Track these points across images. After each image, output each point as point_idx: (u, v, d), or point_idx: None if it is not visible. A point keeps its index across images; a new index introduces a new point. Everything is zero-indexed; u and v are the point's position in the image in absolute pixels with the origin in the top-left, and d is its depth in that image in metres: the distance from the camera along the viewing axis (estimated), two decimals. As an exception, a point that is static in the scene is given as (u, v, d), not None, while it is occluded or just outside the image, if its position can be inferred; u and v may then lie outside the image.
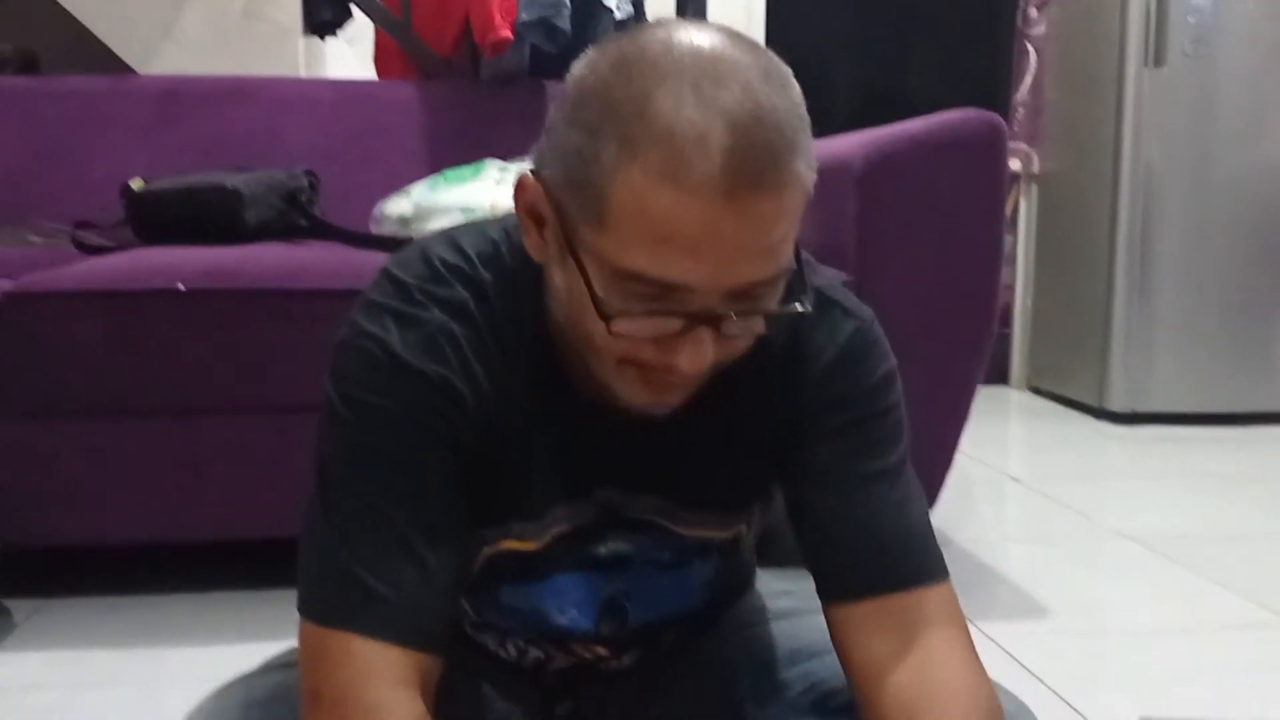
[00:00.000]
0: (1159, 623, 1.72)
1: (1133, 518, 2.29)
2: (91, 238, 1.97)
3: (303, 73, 2.56)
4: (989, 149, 1.70)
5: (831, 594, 0.81)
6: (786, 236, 0.66)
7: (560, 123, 0.67)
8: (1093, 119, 3.37)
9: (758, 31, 3.79)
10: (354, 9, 2.61)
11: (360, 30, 2.96)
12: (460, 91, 2.46)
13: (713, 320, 0.66)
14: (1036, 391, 3.83)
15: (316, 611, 0.73)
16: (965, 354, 1.77)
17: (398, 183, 2.04)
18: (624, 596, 0.86)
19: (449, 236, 0.80)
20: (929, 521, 0.83)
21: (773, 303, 0.69)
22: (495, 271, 0.78)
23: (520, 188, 0.71)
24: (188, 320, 1.61)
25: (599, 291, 0.66)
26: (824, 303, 0.81)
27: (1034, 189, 3.82)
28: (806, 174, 0.66)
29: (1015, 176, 3.79)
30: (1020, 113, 3.76)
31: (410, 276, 0.76)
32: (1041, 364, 3.82)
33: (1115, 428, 3.24)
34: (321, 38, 2.73)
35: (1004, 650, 1.57)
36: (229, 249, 1.81)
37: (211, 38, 2.43)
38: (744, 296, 0.66)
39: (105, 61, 2.45)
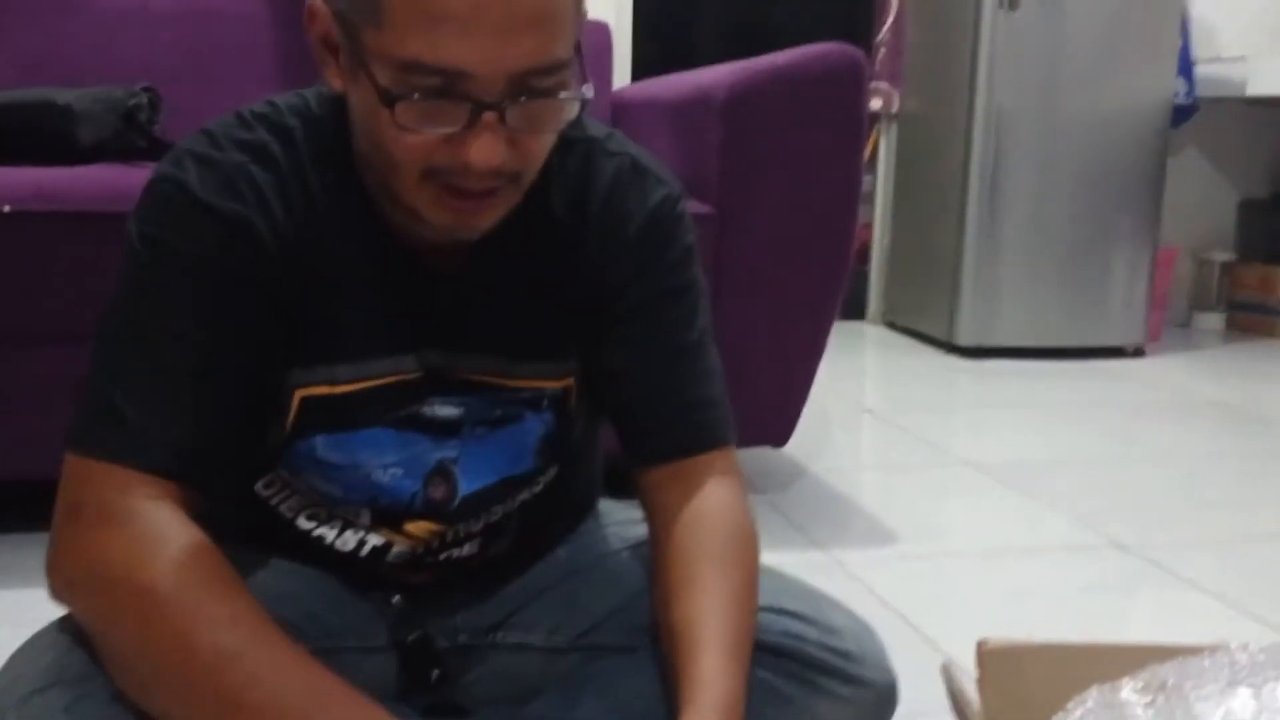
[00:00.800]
0: (1000, 546, 1.80)
1: (978, 447, 2.39)
2: (-96, 154, 1.82)
3: (141, -16, 2.39)
4: (850, 83, 1.72)
5: (638, 458, 0.88)
6: (556, 26, 0.70)
7: None
8: (950, 60, 3.44)
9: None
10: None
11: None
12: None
13: (494, 107, 0.69)
14: (891, 326, 3.94)
15: (78, 440, 0.74)
16: (822, 286, 1.80)
17: (245, 103, 1.94)
18: (452, 463, 0.87)
19: (265, 98, 0.82)
20: (724, 388, 0.90)
21: (554, 94, 0.72)
22: (302, 119, 0.80)
23: (310, 17, 0.74)
24: (10, 243, 1.51)
25: (382, 83, 0.69)
26: (636, 170, 0.87)
27: (893, 129, 3.89)
28: None
29: (875, 116, 3.85)
30: (882, 52, 3.81)
31: (216, 126, 0.79)
32: (896, 300, 3.93)
33: (964, 361, 3.36)
34: (162, -53, 2.57)
35: (854, 576, 1.62)
36: (59, 169, 1.70)
37: (39, -58, 2.26)
38: (523, 85, 0.69)
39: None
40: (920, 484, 2.13)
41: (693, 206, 1.72)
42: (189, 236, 0.75)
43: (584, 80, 0.74)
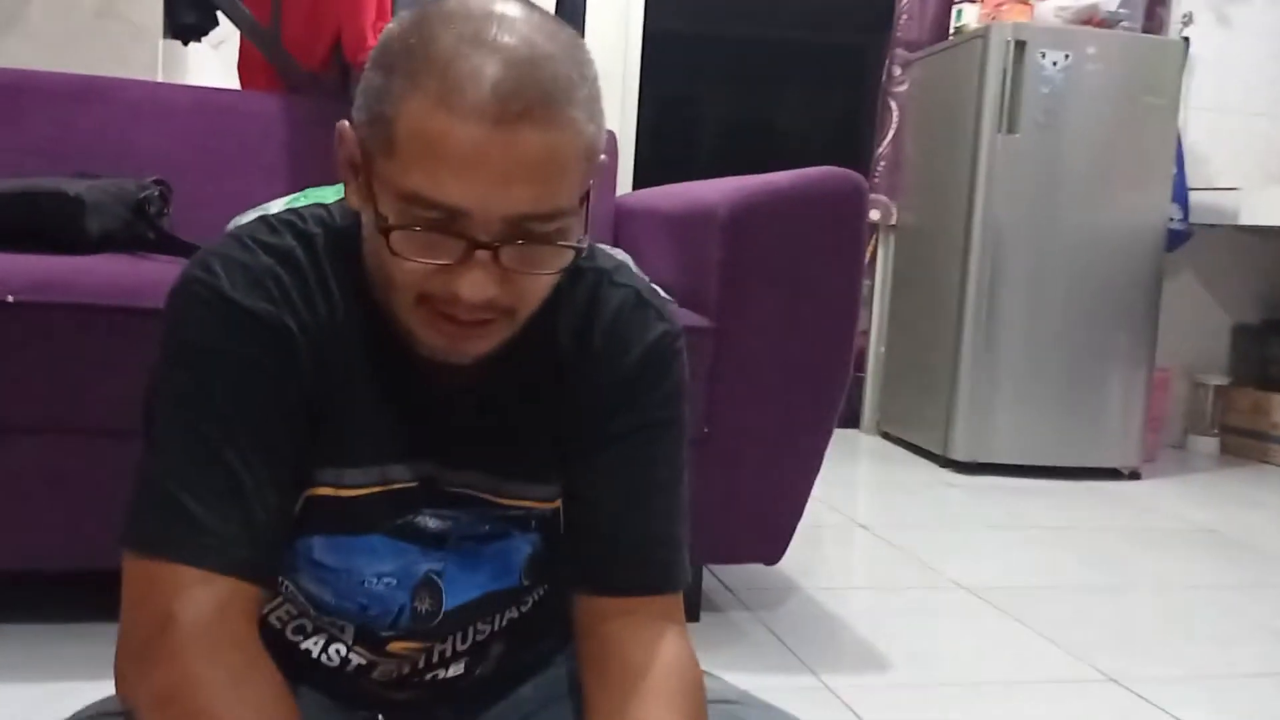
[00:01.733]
0: (990, 677, 1.77)
1: (970, 568, 2.37)
2: (-88, 238, 1.83)
3: (160, 79, 2.45)
4: (851, 207, 1.74)
5: (588, 586, 0.87)
6: (559, 176, 0.71)
7: (368, 69, 0.74)
8: (949, 177, 3.50)
9: (633, 68, 3.81)
10: (220, 15, 2.52)
11: (227, 34, 2.86)
12: (327, 109, 2.39)
13: (488, 246, 0.71)
14: (886, 436, 3.94)
15: (145, 542, 0.74)
16: (819, 404, 1.81)
17: (255, 199, 1.97)
18: (438, 575, 0.87)
19: (288, 206, 0.85)
20: (687, 529, 0.90)
21: (551, 241, 0.73)
22: (324, 228, 0.83)
23: (339, 138, 0.77)
24: (14, 333, 1.51)
25: (383, 210, 0.71)
26: (640, 304, 0.89)
27: (891, 239, 3.95)
28: (585, 125, 0.72)
29: (874, 226, 3.91)
30: (881, 165, 3.88)
31: (242, 230, 0.81)
32: (891, 410, 3.93)
33: (958, 476, 3.35)
34: (184, 43, 2.64)
35: (845, 704, 1.59)
36: (67, 259, 1.71)
37: (62, 34, 2.31)
38: (520, 229, 0.71)
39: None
40: (912, 606, 2.11)
41: (691, 319, 1.74)
42: (229, 336, 0.77)
43: (585, 229, 0.76)
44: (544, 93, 0.69)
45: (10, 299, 1.51)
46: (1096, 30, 3.35)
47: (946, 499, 3.12)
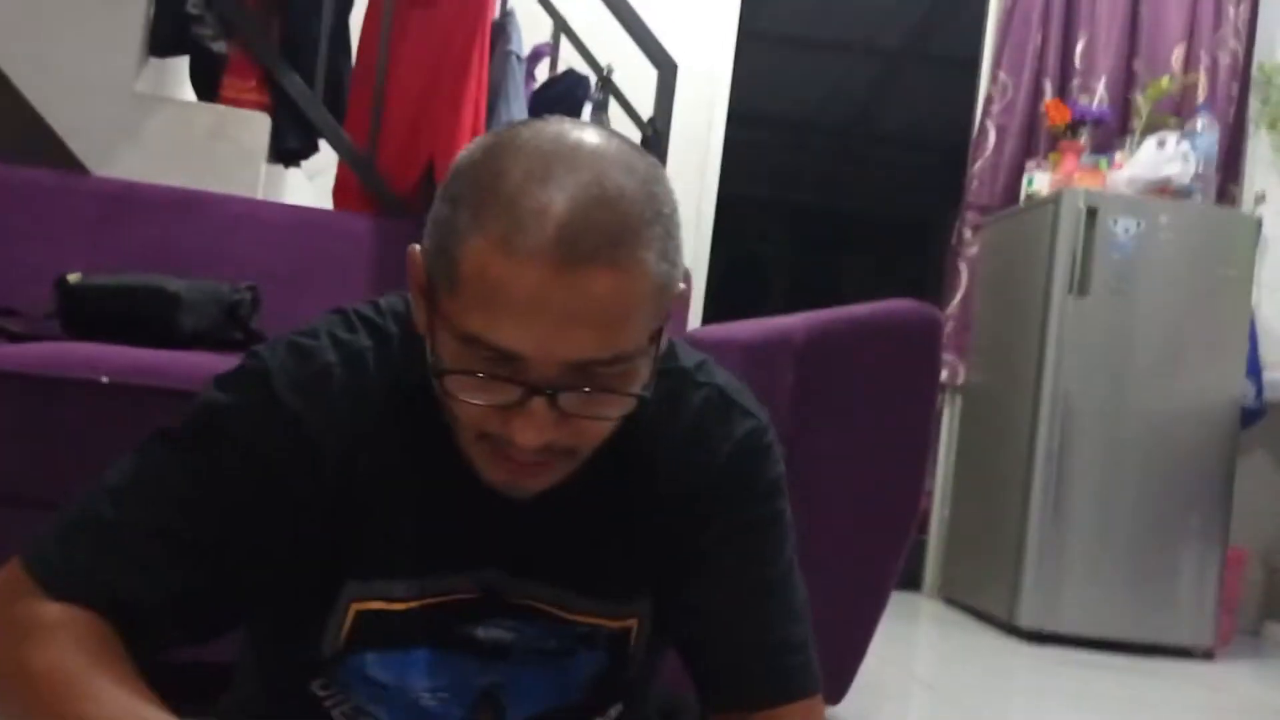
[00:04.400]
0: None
1: (1038, 732, 2.26)
2: (14, 325, 1.91)
3: (261, 197, 2.57)
4: (927, 340, 1.75)
5: (717, 704, 0.83)
6: (629, 322, 0.68)
7: (438, 197, 0.72)
8: (1018, 339, 3.50)
9: (705, 232, 3.91)
10: (321, 142, 2.65)
11: (321, 165, 3.00)
12: (415, 230, 2.48)
13: (545, 393, 0.68)
14: (949, 602, 3.83)
15: (31, 549, 0.74)
16: (888, 538, 1.77)
17: (341, 309, 2.02)
18: (500, 690, 0.83)
19: (375, 297, 0.84)
20: (810, 629, 0.86)
21: (615, 386, 0.70)
22: (401, 326, 0.80)
23: (410, 261, 0.75)
24: (105, 414, 1.56)
25: (440, 351, 0.69)
26: (724, 401, 0.85)
27: (957, 400, 3.93)
28: (658, 265, 0.68)
29: (941, 385, 3.89)
30: (950, 325, 3.90)
31: (323, 320, 0.80)
32: (954, 575, 3.83)
33: (1023, 645, 3.23)
34: (286, 166, 2.77)
35: None
36: (159, 351, 1.77)
37: (173, 149, 2.44)
38: (581, 374, 0.68)
39: (59, 159, 2.44)
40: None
41: (763, 445, 1.73)
42: (243, 420, 0.76)
43: (653, 375, 0.73)
44: (612, 235, 0.66)
45: (105, 379, 1.55)
46: (1169, 201, 3.39)
47: (1012, 666, 3.00)
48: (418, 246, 0.74)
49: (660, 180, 0.71)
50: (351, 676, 0.81)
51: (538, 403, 0.68)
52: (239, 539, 0.75)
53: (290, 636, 0.81)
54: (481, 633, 0.82)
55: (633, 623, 0.86)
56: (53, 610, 0.72)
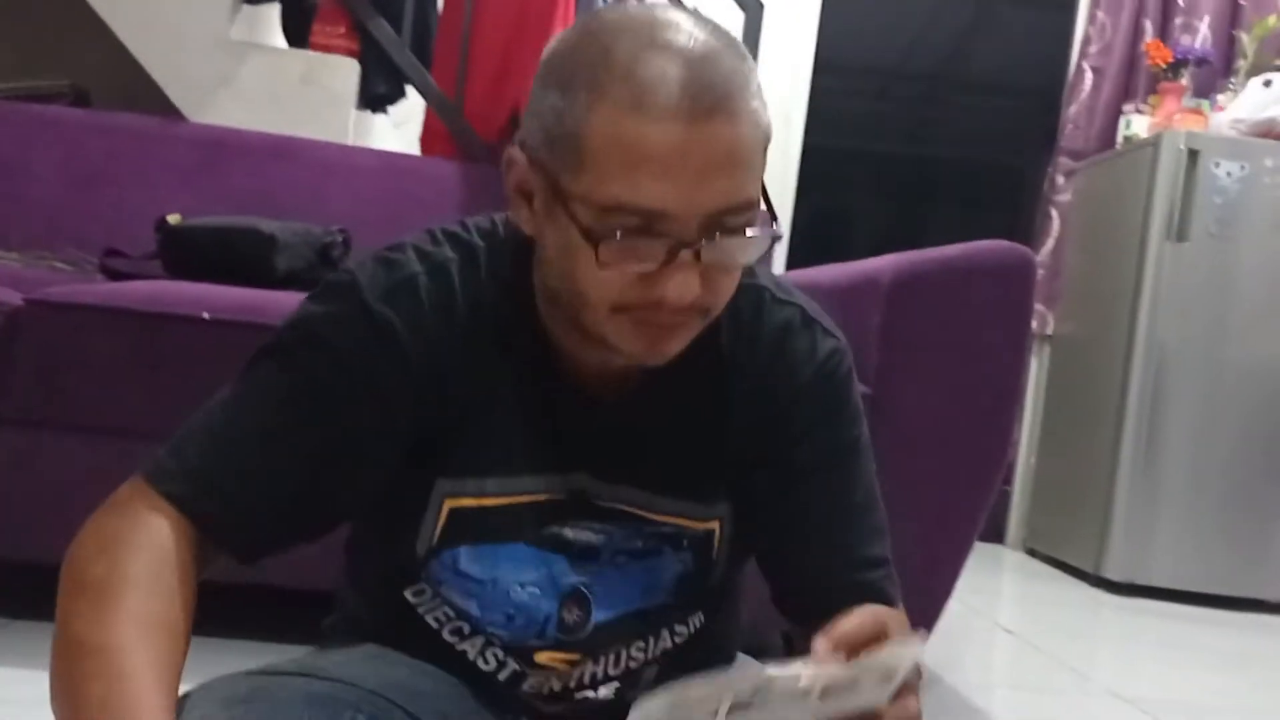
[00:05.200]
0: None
1: (1127, 680, 2.24)
2: (120, 264, 1.97)
3: (351, 144, 2.61)
4: (1020, 281, 1.72)
5: (801, 615, 0.85)
6: (748, 167, 0.73)
7: (537, 92, 0.74)
8: (1111, 287, 3.41)
9: (789, 182, 3.87)
10: (408, 88, 2.68)
11: (407, 114, 3.03)
12: (502, 177, 2.50)
13: (691, 245, 0.71)
14: (1031, 553, 3.78)
15: (149, 466, 0.78)
16: (974, 480, 1.76)
17: (429, 251, 2.06)
18: (587, 588, 0.86)
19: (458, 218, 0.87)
20: (890, 546, 0.88)
21: (744, 232, 0.74)
22: (488, 241, 0.83)
23: (508, 165, 0.77)
24: (207, 350, 1.60)
25: (583, 222, 0.71)
26: (806, 319, 0.88)
27: (1046, 350, 3.85)
28: (762, 114, 0.74)
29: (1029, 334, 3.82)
30: (1040, 273, 3.81)
31: (410, 238, 0.83)
32: (1039, 526, 3.79)
33: (1111, 596, 3.18)
34: (374, 111, 2.80)
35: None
36: (256, 291, 1.81)
37: (266, 96, 2.49)
38: (716, 225, 0.72)
39: (159, 106, 2.50)
40: (1063, 710, 2.00)
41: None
42: (336, 328, 0.79)
43: (773, 218, 0.76)
44: (726, 87, 0.70)
45: (206, 315, 1.60)
46: (1275, 143, 3.26)
47: (1099, 615, 2.96)
48: (516, 149, 0.77)
49: (740, 43, 0.76)
50: (445, 573, 0.84)
51: (685, 256, 0.71)
52: (338, 442, 0.79)
53: (387, 537, 0.84)
54: (570, 533, 0.84)
55: (715, 525, 0.88)
56: (155, 519, 0.75)
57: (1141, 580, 3.21)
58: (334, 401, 0.78)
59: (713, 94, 0.70)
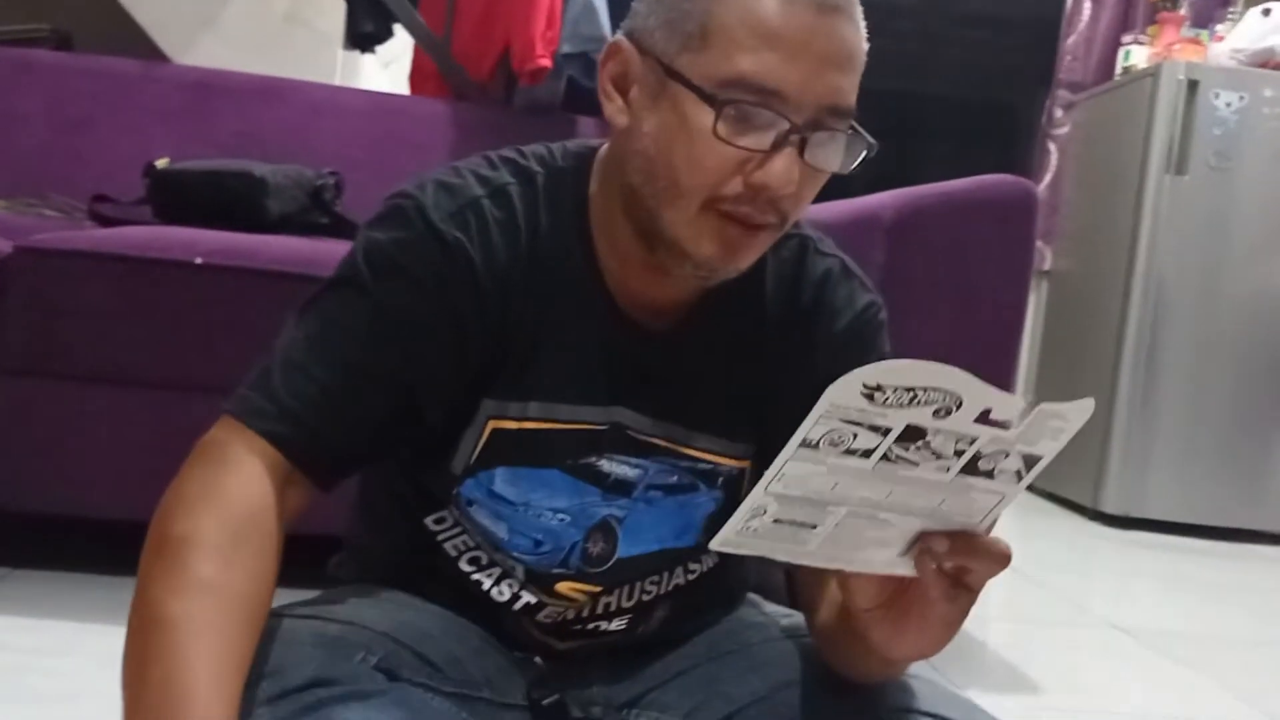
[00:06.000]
0: (1153, 712, 1.67)
1: (1123, 611, 2.26)
2: (109, 210, 1.94)
3: (338, 84, 2.57)
4: (1021, 214, 1.70)
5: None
6: (857, 74, 0.75)
7: None
8: (1109, 221, 3.39)
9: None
10: (396, 26, 2.63)
11: (395, 53, 2.98)
12: (492, 115, 2.46)
13: (801, 131, 0.73)
14: (1030, 489, 3.79)
15: (230, 397, 0.78)
16: (978, 418, 1.75)
17: (423, 193, 2.03)
18: (617, 521, 0.86)
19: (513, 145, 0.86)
20: None
21: (845, 135, 0.76)
22: (546, 167, 0.84)
23: (609, 56, 0.78)
24: (200, 295, 1.59)
25: (704, 90, 0.72)
26: (846, 272, 0.89)
27: (1043, 285, 3.84)
28: (864, 40, 0.76)
29: (1026, 272, 3.81)
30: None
31: (464, 162, 0.83)
32: (1036, 461, 3.80)
33: (1107, 529, 3.21)
34: (361, 51, 2.75)
35: (994, 720, 1.52)
36: (248, 235, 1.79)
37: (251, 37, 2.44)
38: (822, 122, 0.74)
39: (142, 48, 2.45)
40: (1061, 640, 2.02)
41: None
42: (409, 252, 0.78)
43: (864, 134, 0.77)
44: None
45: (198, 260, 1.58)
46: (1274, 73, 3.22)
47: (1097, 549, 2.99)
48: (621, 36, 0.78)
49: None
50: (479, 492, 0.84)
51: (794, 141, 0.73)
52: (420, 367, 0.79)
53: (424, 457, 0.84)
54: (606, 465, 0.85)
55: (747, 465, 0.89)
56: (249, 463, 0.75)
57: (1138, 513, 3.23)
58: (414, 328, 0.79)
59: None
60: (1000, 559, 0.69)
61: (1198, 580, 2.70)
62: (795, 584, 0.89)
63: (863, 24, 0.76)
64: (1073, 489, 3.45)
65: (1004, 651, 1.87)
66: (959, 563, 0.69)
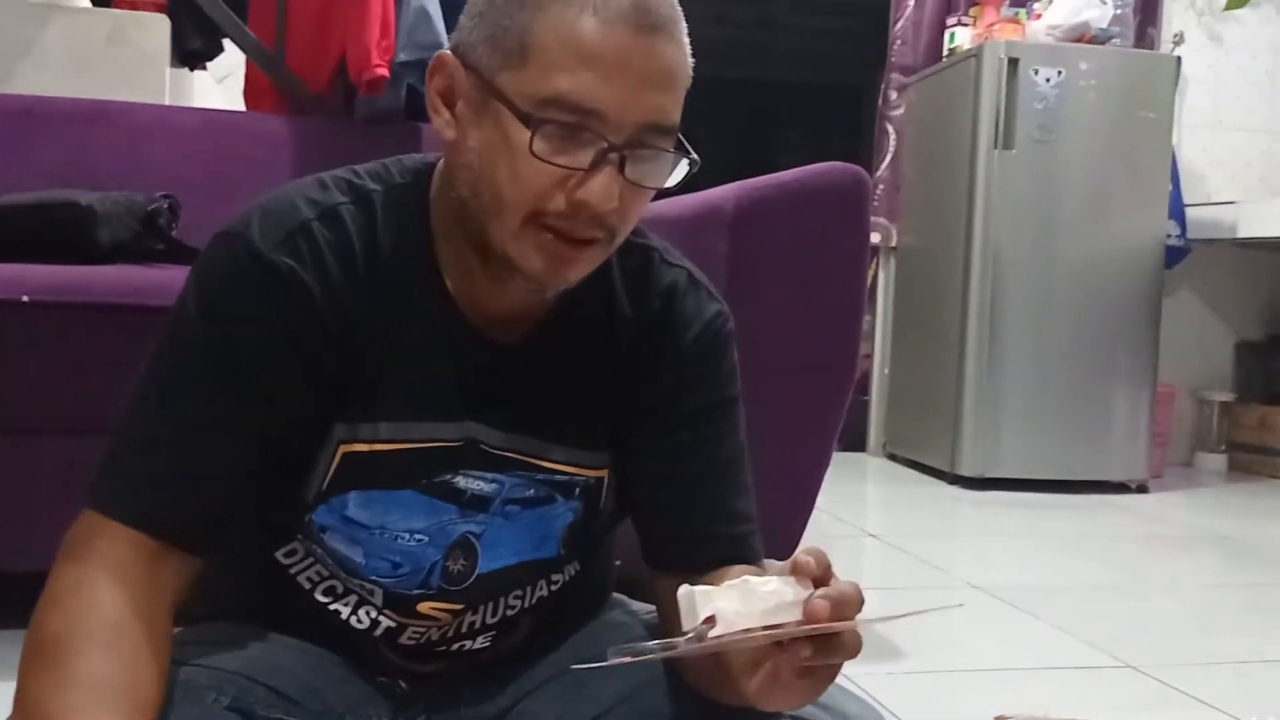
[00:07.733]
0: (1010, 665, 1.76)
1: (983, 572, 2.36)
2: (-73, 251, 1.84)
3: (168, 104, 2.49)
4: (855, 200, 1.76)
5: (669, 565, 0.87)
6: (679, 93, 0.76)
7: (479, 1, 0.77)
8: (947, 196, 3.53)
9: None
10: (225, 41, 2.56)
11: (229, 67, 2.90)
12: (332, 127, 2.43)
13: (620, 150, 0.73)
14: (892, 458, 3.93)
15: (88, 487, 0.77)
16: (827, 398, 1.81)
17: (263, 211, 1.98)
18: (475, 537, 0.86)
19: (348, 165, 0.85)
20: (754, 503, 0.91)
21: (667, 153, 0.77)
22: (384, 185, 0.82)
23: (435, 69, 0.78)
24: (31, 334, 1.53)
25: (521, 111, 0.72)
26: (693, 283, 0.90)
27: (892, 262, 3.97)
28: (688, 57, 0.77)
29: (875, 249, 3.93)
30: (880, 189, 3.91)
31: (293, 186, 0.81)
32: (897, 431, 3.93)
33: (966, 492, 3.34)
34: (190, 69, 2.68)
35: (861, 690, 1.58)
36: (78, 267, 1.72)
37: (73, 60, 2.35)
38: (643, 140, 0.74)
39: (-46, 78, 2.34)
40: (923, 604, 2.10)
41: (700, 315, 1.74)
42: (240, 290, 0.76)
43: (687, 151, 0.78)
44: (670, 13, 0.75)
45: (25, 299, 1.52)
46: (1088, 47, 3.40)
47: (956, 511, 3.11)
48: (448, 51, 0.78)
49: None
50: (332, 518, 0.83)
51: (613, 160, 0.73)
52: (271, 407, 0.78)
53: (276, 485, 0.83)
54: (462, 482, 0.84)
55: (604, 474, 0.90)
56: (114, 552, 0.74)
57: (993, 474, 3.38)
58: (257, 367, 0.77)
59: (659, 14, 0.74)
60: (854, 651, 0.73)
61: (1050, 533, 2.84)
62: (661, 605, 0.90)
63: (686, 41, 0.77)
64: (932, 455, 3.59)
65: (866, 619, 1.93)
66: (821, 661, 0.72)
